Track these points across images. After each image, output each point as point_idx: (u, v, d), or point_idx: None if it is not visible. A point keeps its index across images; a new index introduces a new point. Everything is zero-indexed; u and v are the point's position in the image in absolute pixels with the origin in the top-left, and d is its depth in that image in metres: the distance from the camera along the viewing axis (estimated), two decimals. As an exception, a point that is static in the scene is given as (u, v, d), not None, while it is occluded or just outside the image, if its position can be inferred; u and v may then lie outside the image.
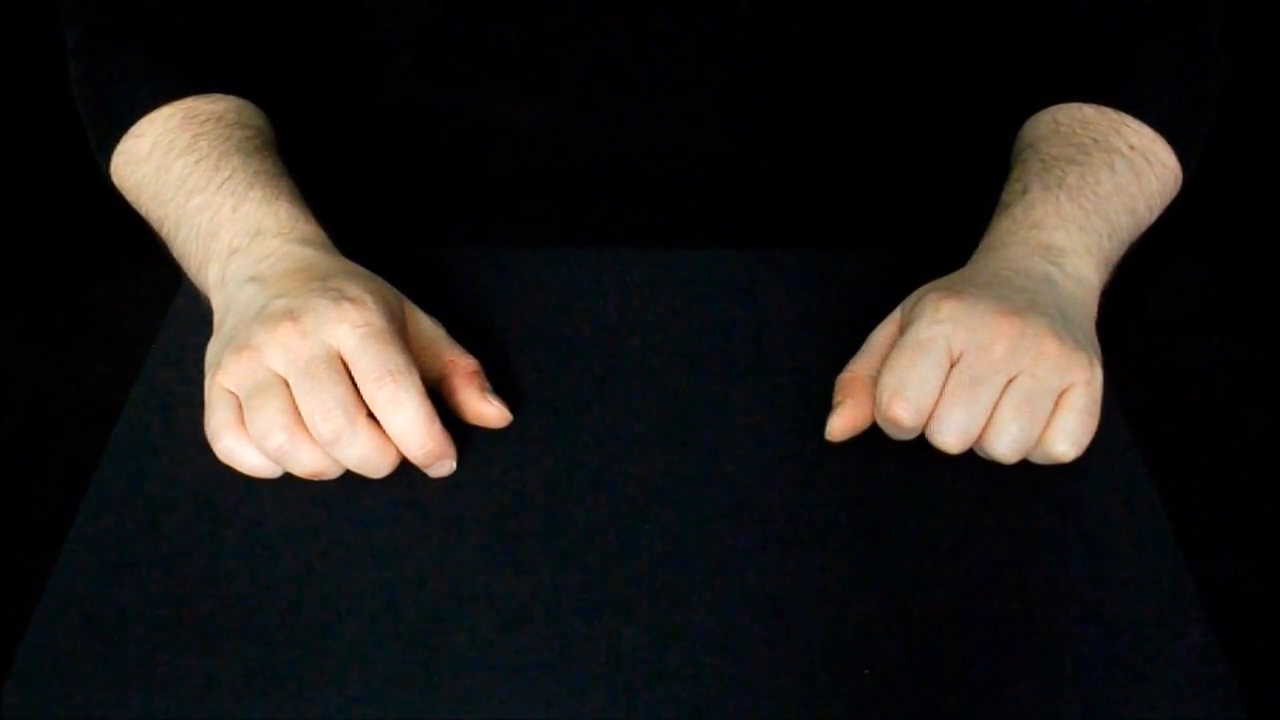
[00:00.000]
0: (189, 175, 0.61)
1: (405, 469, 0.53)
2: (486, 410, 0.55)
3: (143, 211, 0.64)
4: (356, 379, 0.52)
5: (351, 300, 0.53)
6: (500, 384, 0.58)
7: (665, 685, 0.46)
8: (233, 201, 0.59)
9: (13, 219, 0.79)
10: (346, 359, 0.52)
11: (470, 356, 0.57)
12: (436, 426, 0.52)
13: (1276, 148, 0.86)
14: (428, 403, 0.52)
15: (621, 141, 0.73)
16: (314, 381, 0.51)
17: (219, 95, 0.65)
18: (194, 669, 0.47)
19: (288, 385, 0.51)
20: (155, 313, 0.64)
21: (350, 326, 0.52)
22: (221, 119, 0.64)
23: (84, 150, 0.68)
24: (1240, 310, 0.68)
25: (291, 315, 0.52)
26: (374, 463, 0.52)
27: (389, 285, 0.56)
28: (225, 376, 0.52)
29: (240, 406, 0.52)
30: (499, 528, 0.52)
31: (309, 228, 0.59)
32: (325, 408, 0.51)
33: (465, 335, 0.59)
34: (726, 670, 0.47)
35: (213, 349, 0.55)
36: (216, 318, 0.57)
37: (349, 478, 0.53)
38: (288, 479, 0.53)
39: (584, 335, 0.62)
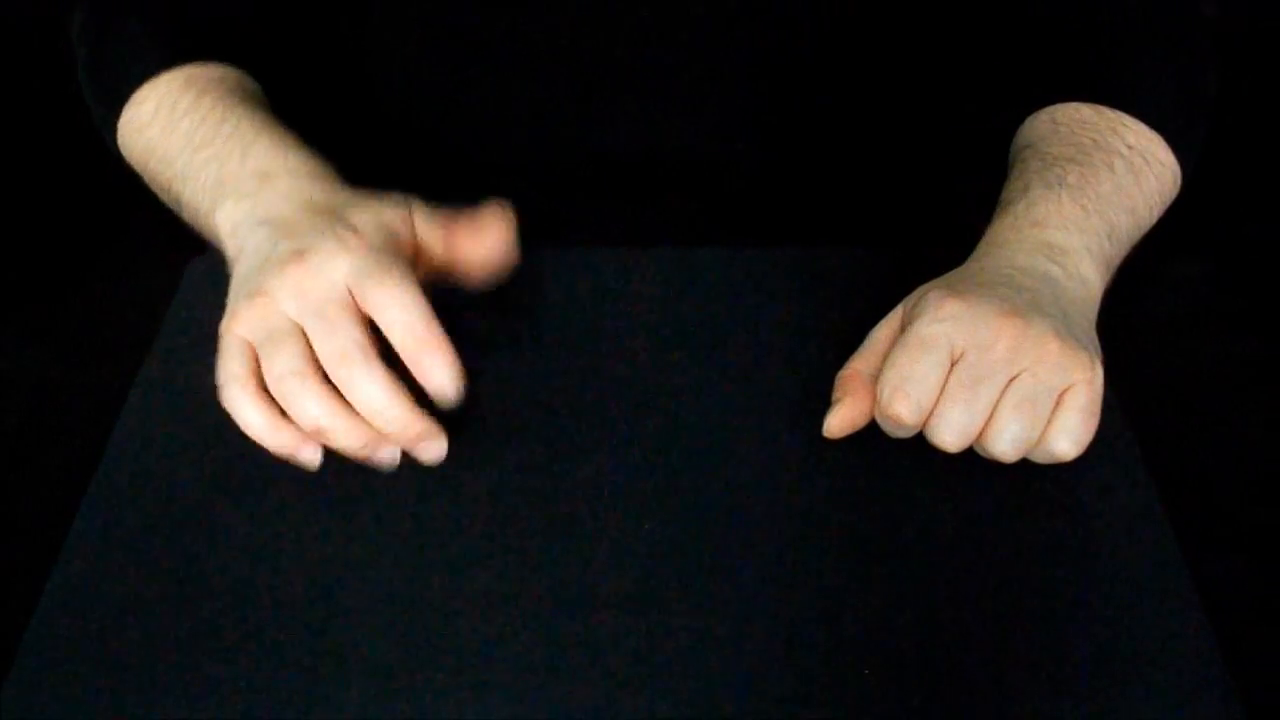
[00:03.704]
0: (195, 131, 0.61)
1: (405, 470, 0.53)
2: (486, 234, 0.55)
3: (151, 177, 0.65)
4: (367, 312, 0.52)
5: (356, 232, 0.53)
6: (499, 383, 0.58)
7: (664, 685, 0.46)
8: (240, 150, 0.59)
9: (13, 220, 0.79)
10: (353, 293, 0.52)
11: (457, 217, 0.56)
12: (436, 326, 0.52)
13: (1277, 148, 0.86)
14: (435, 322, 0.52)
15: (620, 137, 0.73)
16: (327, 323, 0.51)
17: (217, 64, 0.66)
18: (194, 669, 0.47)
19: (303, 330, 0.51)
20: (155, 313, 0.64)
21: (354, 260, 0.52)
22: (223, 81, 0.64)
23: (84, 151, 0.68)
24: (1240, 310, 0.68)
25: (299, 255, 0.52)
26: (380, 405, 0.51)
27: (397, 204, 0.56)
28: (240, 324, 0.52)
29: (254, 356, 0.52)
30: (498, 527, 0.52)
31: (316, 165, 0.58)
32: (342, 350, 0.50)
33: (466, 334, 0.58)
34: (726, 670, 0.47)
35: (229, 298, 0.55)
36: (230, 265, 0.56)
37: (349, 479, 0.53)
38: (287, 481, 0.53)
39: (583, 334, 0.61)
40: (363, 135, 0.80)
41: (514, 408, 0.57)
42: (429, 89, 0.75)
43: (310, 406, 0.51)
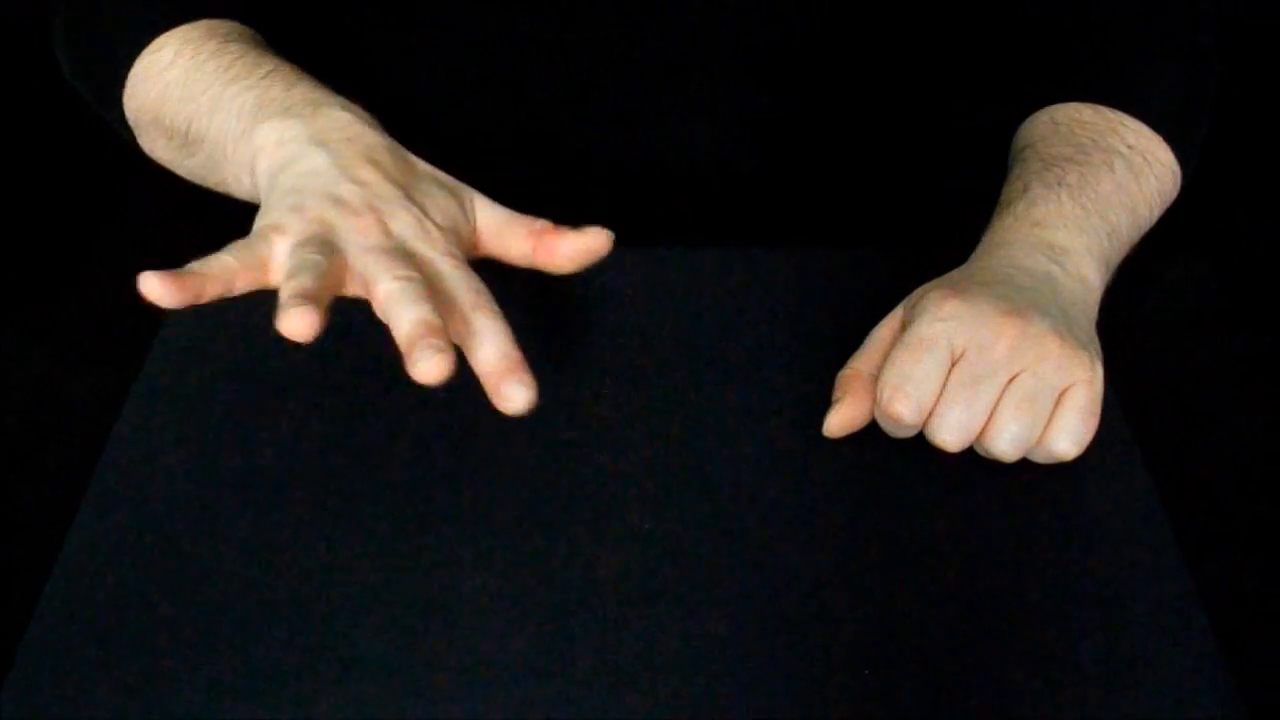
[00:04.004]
0: (227, 69, 0.59)
1: (405, 470, 0.53)
2: (589, 238, 0.52)
3: (165, 122, 0.62)
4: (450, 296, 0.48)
5: (441, 229, 0.50)
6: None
7: (664, 685, 0.46)
8: (284, 84, 0.56)
9: (12, 220, 0.79)
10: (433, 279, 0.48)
11: (533, 219, 0.54)
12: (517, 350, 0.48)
13: (1277, 148, 0.86)
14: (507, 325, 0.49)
15: (624, 137, 0.73)
16: (390, 256, 0.47)
17: (234, 21, 0.64)
18: (194, 669, 0.47)
19: (341, 263, 0.47)
20: (155, 313, 0.63)
21: (439, 255, 0.49)
22: (244, 33, 0.63)
23: (84, 151, 0.68)
24: (1240, 310, 0.68)
25: (375, 213, 0.49)
26: (416, 312, 0.46)
27: (459, 192, 0.54)
28: (282, 233, 0.48)
29: (270, 251, 0.48)
30: (498, 527, 0.52)
31: (368, 112, 0.56)
32: (403, 284, 0.46)
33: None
34: (726, 670, 0.47)
35: (265, 214, 0.51)
36: (264, 182, 0.53)
37: (348, 481, 0.53)
38: (287, 481, 0.53)
39: (584, 335, 0.62)
40: None
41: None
42: (430, 93, 0.74)
43: (304, 269, 0.46)
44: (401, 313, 0.46)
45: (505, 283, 0.64)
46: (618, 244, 0.68)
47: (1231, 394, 0.61)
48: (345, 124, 0.54)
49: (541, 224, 0.54)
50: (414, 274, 0.47)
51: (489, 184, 0.76)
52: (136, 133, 0.65)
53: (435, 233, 0.50)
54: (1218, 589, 0.50)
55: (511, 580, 0.50)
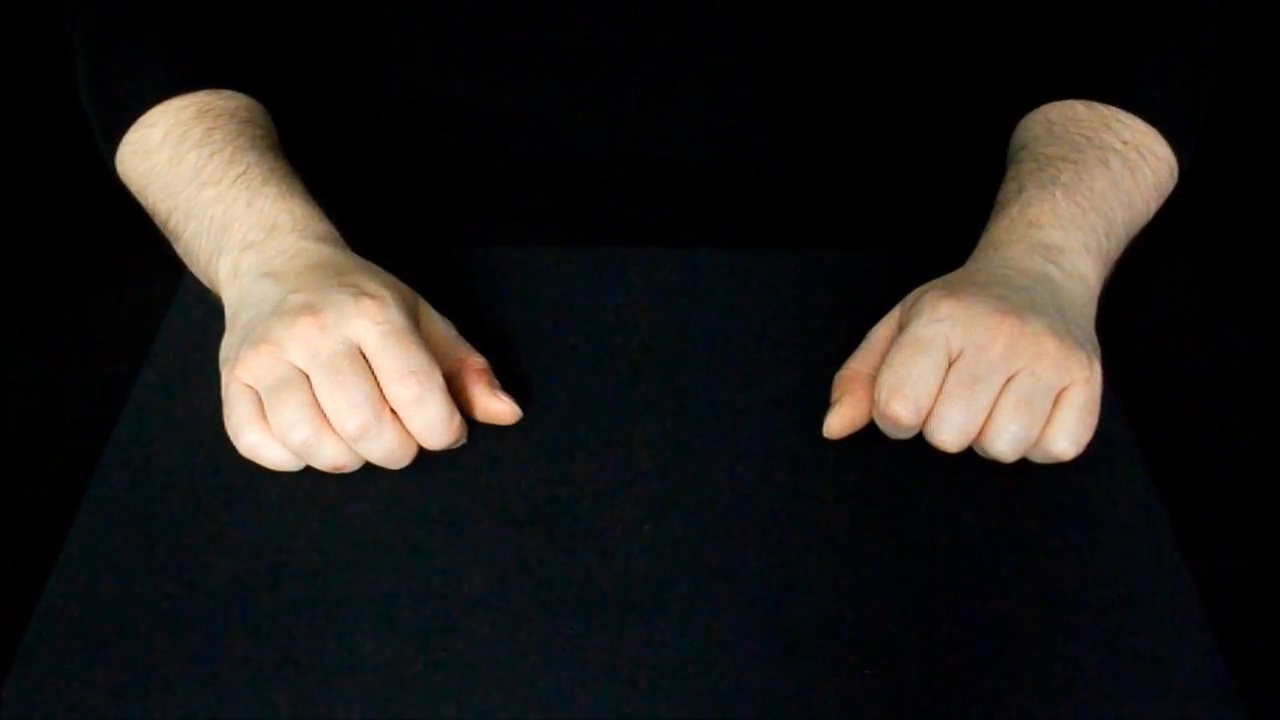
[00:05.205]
0: (203, 168, 0.61)
1: (406, 470, 0.53)
2: (497, 407, 0.56)
3: (149, 203, 0.64)
4: (379, 376, 0.52)
5: (371, 297, 0.53)
6: (502, 383, 0.58)
7: (665, 685, 0.46)
8: (247, 196, 0.59)
9: (14, 220, 0.79)
10: (368, 356, 0.52)
11: (479, 355, 0.57)
12: (457, 419, 0.53)
13: (1277, 148, 0.86)
14: (449, 399, 0.53)
15: (626, 137, 0.73)
16: (338, 376, 0.51)
17: (231, 93, 0.65)
18: (194, 669, 0.47)
19: (308, 379, 0.51)
20: (155, 313, 0.64)
21: (371, 323, 0.52)
22: (234, 115, 0.64)
23: (86, 152, 0.68)
24: (1240, 309, 0.68)
25: (311, 309, 0.52)
26: (397, 456, 0.53)
27: (402, 283, 0.56)
28: (244, 371, 0.52)
29: (260, 401, 0.52)
30: (500, 527, 0.52)
31: (322, 225, 0.59)
32: (352, 403, 0.51)
33: (469, 334, 0.59)
34: (726, 670, 0.47)
35: (227, 344, 0.55)
36: (229, 313, 0.57)
37: (350, 477, 0.53)
38: (289, 477, 0.53)
39: (585, 334, 0.62)
40: (373, 146, 0.80)
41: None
42: (438, 97, 0.74)
43: (328, 453, 0.52)
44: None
45: (506, 280, 0.65)
46: (619, 244, 0.68)
47: (1231, 394, 0.62)
48: (290, 246, 0.57)
49: (478, 361, 0.57)
50: (344, 384, 0.51)
51: (496, 189, 0.77)
52: (130, 190, 0.66)
53: (367, 301, 0.52)
54: (1218, 589, 0.50)
55: (511, 580, 0.50)
